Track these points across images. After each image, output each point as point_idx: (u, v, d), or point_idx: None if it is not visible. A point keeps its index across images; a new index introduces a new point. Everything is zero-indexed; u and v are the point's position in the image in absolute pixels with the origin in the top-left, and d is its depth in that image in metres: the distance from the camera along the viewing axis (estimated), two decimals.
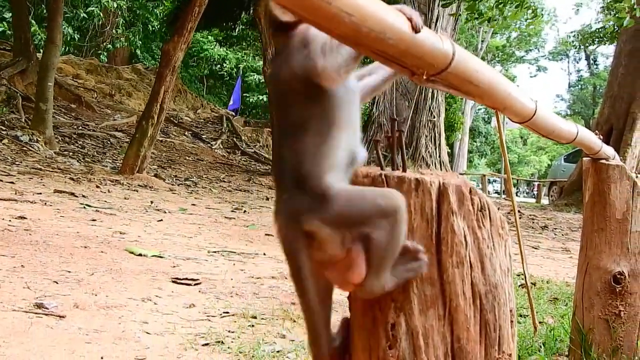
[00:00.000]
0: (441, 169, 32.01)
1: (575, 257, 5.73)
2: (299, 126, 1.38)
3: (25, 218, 6.41)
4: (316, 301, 1.41)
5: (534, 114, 1.97)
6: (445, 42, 1.38)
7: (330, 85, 1.34)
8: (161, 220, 7.75)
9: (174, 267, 5.16)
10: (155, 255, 5.47)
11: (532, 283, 6.09)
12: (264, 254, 6.17)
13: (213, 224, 8.03)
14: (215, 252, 6.02)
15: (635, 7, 14.38)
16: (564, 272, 7.07)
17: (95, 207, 7.93)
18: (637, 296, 3.43)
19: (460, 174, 36.47)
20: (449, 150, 39.91)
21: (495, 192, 37.68)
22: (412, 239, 1.36)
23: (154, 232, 6.75)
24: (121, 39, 28.58)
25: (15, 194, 8.09)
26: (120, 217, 7.49)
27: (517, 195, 53.00)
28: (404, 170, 1.43)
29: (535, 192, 38.37)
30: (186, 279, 4.71)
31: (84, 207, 7.78)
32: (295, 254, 1.38)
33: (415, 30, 1.25)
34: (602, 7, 31.77)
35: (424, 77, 1.40)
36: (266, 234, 7.54)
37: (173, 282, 4.64)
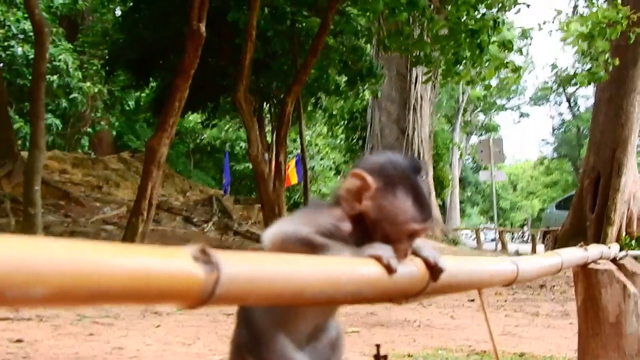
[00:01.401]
0: (434, 227, 32.07)
1: (575, 323, 5.74)
2: None
3: (22, 341, 6.37)
4: None
5: (517, 275, 2.01)
6: (422, 267, 1.42)
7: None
8: (159, 325, 7.71)
9: None
10: None
11: None
12: None
13: (211, 324, 7.99)
14: None
15: (609, 60, 14.65)
16: (566, 345, 7.06)
17: (91, 318, 7.89)
18: None
19: (454, 229, 36.50)
20: (441, 204, 39.99)
21: (492, 240, 37.60)
22: None
23: (152, 343, 6.72)
24: (101, 122, 28.82)
25: (10, 310, 8.05)
26: (118, 327, 7.45)
27: (512, 241, 52.95)
28: None
29: (529, 240, 38.39)
30: None
31: (80, 319, 7.74)
32: None
33: (390, 273, 1.29)
34: (579, 53, 32.25)
35: (403, 301, 1.44)
36: None
37: None
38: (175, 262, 0.87)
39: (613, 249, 4.46)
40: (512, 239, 55.71)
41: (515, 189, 77.47)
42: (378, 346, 1.44)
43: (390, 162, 1.60)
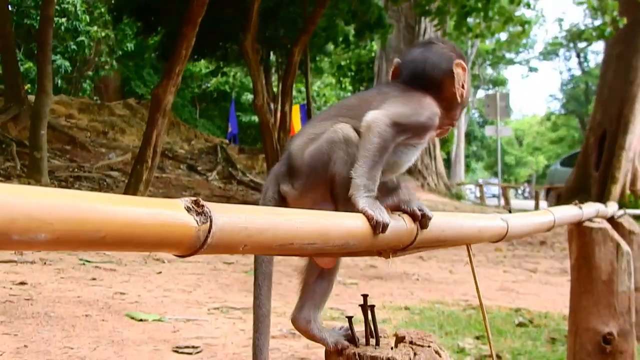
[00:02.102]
0: (438, 180, 32.12)
1: None
2: None
3: (25, 284, 6.47)
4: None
5: (507, 232, 2.06)
6: (409, 221, 1.48)
7: None
8: (160, 272, 7.82)
9: (174, 332, 5.23)
10: (156, 320, 5.54)
11: (529, 320, 6.18)
12: None
13: (212, 272, 8.10)
14: (215, 308, 6.09)
15: (617, 18, 14.55)
16: (562, 301, 7.13)
17: (94, 263, 8.00)
18: (628, 355, 3.51)
19: (457, 184, 36.52)
20: (446, 157, 39.92)
21: (493, 196, 37.68)
22: None
23: (153, 289, 6.82)
24: (106, 67, 28.74)
25: (15, 253, 8.15)
26: (120, 273, 7.55)
27: (515, 197, 53.06)
28: (377, 344, 1.52)
29: (532, 196, 38.46)
30: (187, 347, 4.79)
31: (83, 264, 7.85)
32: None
33: (376, 233, 1.35)
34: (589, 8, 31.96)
35: (390, 256, 1.50)
36: None
37: (174, 351, 4.71)
38: (169, 212, 0.93)
39: (610, 207, 4.50)
40: (516, 195, 55.83)
41: (521, 144, 77.35)
42: (365, 296, 1.51)
43: (456, 50, 1.86)
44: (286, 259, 9.36)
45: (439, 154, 33.16)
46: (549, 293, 7.76)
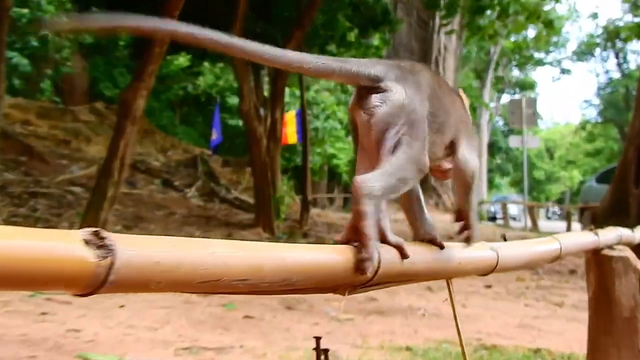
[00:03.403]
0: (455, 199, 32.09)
1: None
2: None
3: None
4: None
5: (496, 264, 2.06)
6: (369, 256, 1.48)
7: None
8: (123, 306, 7.79)
9: None
10: None
11: None
12: (241, 347, 6.23)
13: (184, 305, 8.08)
14: (184, 349, 6.08)
15: None
16: None
17: (46, 294, 7.97)
18: None
19: (479, 202, 36.58)
20: None
21: (512, 218, 37.38)
22: None
23: (114, 325, 6.80)
24: (68, 63, 28.68)
25: None
26: (76, 306, 7.52)
27: (547, 218, 53.05)
28: None
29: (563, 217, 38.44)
30: None
31: (33, 295, 7.83)
32: None
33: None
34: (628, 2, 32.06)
35: (347, 294, 1.51)
36: (245, 316, 7.61)
37: None
38: (64, 245, 0.94)
39: (639, 232, 4.43)
40: (547, 215, 55.78)
41: (552, 157, 77.34)
42: (318, 339, 1.51)
43: None
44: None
45: None
46: (575, 331, 7.72)
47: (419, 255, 1.67)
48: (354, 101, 1.66)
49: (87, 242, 0.96)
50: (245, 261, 1.18)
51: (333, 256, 1.39)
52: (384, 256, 1.49)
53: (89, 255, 0.95)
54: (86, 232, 0.97)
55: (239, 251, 1.18)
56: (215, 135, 30.54)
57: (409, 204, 1.80)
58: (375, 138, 1.56)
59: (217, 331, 6.87)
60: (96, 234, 0.98)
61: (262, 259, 1.22)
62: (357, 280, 1.47)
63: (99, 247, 0.97)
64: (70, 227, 13.49)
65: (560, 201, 65.04)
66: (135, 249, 1.01)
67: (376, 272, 1.49)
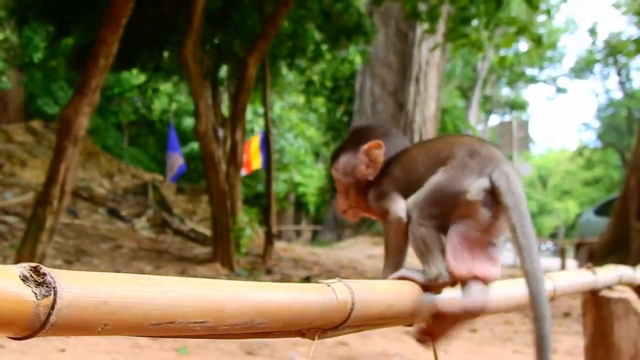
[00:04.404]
0: None
1: None
2: None
3: None
4: None
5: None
6: (340, 291, 1.49)
7: None
8: (64, 350, 7.74)
9: None
10: None
11: None
12: None
13: (132, 350, 8.04)
14: None
15: None
16: None
17: None
18: None
19: None
20: None
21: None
22: None
23: None
24: (3, 78, 28.49)
25: None
26: (10, 350, 7.48)
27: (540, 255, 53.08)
28: None
29: (557, 253, 38.53)
30: None
31: None
32: None
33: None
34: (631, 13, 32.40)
35: (316, 338, 1.52)
36: None
37: None
38: None
39: None
40: (539, 250, 55.99)
41: (546, 186, 77.65)
42: None
43: None
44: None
45: None
46: None
47: (399, 295, 1.68)
48: None
49: (24, 279, 0.96)
50: (204, 301, 1.18)
51: (305, 295, 1.39)
52: (360, 296, 1.50)
53: (27, 294, 0.95)
54: (24, 267, 0.97)
55: (198, 289, 1.19)
56: (180, 161, 29.88)
57: None
58: None
59: None
60: (35, 269, 0.98)
61: (224, 298, 1.22)
62: (329, 322, 1.47)
63: (39, 284, 0.97)
64: (4, 261, 13.39)
65: (553, 236, 65.19)
66: (79, 287, 1.01)
67: (348, 315, 1.50)
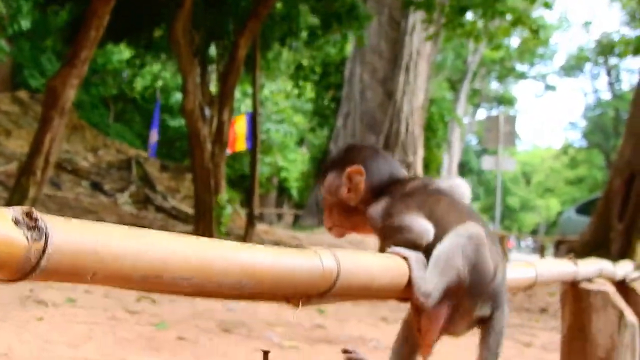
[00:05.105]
0: None
1: None
2: None
3: None
4: None
5: None
6: (326, 258, 1.50)
7: None
8: (41, 318, 7.73)
9: None
10: None
11: None
12: None
13: (109, 322, 8.03)
14: None
15: None
16: None
17: None
18: None
19: None
20: None
21: None
22: None
23: (30, 339, 6.75)
24: None
25: None
26: None
27: (518, 250, 53.38)
28: None
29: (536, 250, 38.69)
30: None
31: None
32: None
33: None
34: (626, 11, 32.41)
35: (301, 304, 1.53)
36: (178, 338, 7.57)
37: None
38: None
39: (622, 267, 4.46)
40: (519, 247, 56.13)
41: (529, 183, 77.77)
42: (265, 353, 1.53)
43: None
44: (209, 311, 9.34)
45: None
46: None
47: (385, 269, 1.68)
48: None
49: (17, 222, 0.96)
50: (192, 258, 1.18)
51: (292, 260, 1.40)
52: (346, 266, 1.51)
53: (19, 237, 0.95)
54: (17, 210, 0.98)
55: (187, 246, 1.19)
56: (155, 138, 30.11)
57: None
58: None
59: (146, 352, 6.84)
60: (28, 213, 0.98)
61: (212, 257, 1.23)
62: (314, 289, 1.48)
63: (31, 228, 0.97)
64: None
65: (534, 232, 65.31)
66: (70, 234, 1.02)
67: (334, 283, 1.50)
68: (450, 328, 1.98)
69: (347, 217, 2.24)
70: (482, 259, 1.91)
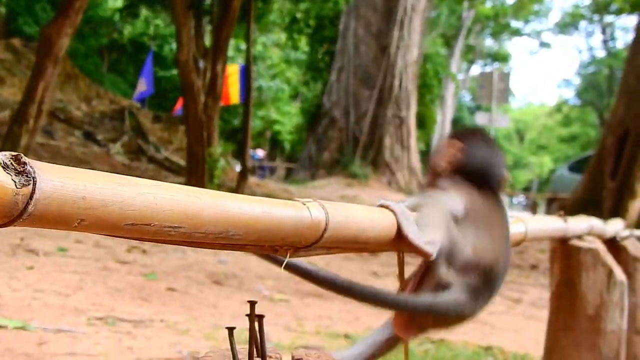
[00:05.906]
0: (410, 177, 32.18)
1: None
2: None
3: None
4: None
5: None
6: (315, 209, 1.50)
7: None
8: (32, 267, 7.76)
9: (40, 344, 5.19)
10: (18, 327, 5.50)
11: None
12: (162, 321, 6.23)
13: (100, 272, 8.06)
14: (98, 319, 6.06)
15: None
16: None
17: None
18: None
19: None
20: (424, 149, 39.53)
21: None
22: None
23: (21, 287, 6.78)
24: None
25: None
26: None
27: (510, 209, 53.44)
28: None
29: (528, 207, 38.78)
30: None
31: None
32: None
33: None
34: None
35: (288, 255, 1.53)
36: (168, 288, 7.61)
37: None
38: None
39: (613, 225, 4.47)
40: (511, 204, 56.23)
41: (522, 140, 77.76)
42: (252, 303, 1.53)
43: None
44: (200, 263, 9.37)
45: (414, 145, 33.05)
46: (532, 330, 7.82)
47: (373, 222, 1.68)
48: None
49: (5, 167, 0.96)
50: (181, 206, 1.18)
51: (280, 211, 1.40)
52: (334, 217, 1.51)
53: (7, 181, 0.95)
54: (4, 155, 0.97)
55: (176, 194, 1.19)
56: (143, 87, 29.70)
57: None
58: None
59: (136, 302, 6.87)
60: (16, 158, 0.97)
61: (201, 206, 1.22)
62: (302, 240, 1.48)
63: (19, 173, 0.96)
64: None
65: (526, 190, 65.38)
66: (59, 180, 1.01)
67: (322, 235, 1.50)
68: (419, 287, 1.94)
69: (432, 182, 2.27)
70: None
